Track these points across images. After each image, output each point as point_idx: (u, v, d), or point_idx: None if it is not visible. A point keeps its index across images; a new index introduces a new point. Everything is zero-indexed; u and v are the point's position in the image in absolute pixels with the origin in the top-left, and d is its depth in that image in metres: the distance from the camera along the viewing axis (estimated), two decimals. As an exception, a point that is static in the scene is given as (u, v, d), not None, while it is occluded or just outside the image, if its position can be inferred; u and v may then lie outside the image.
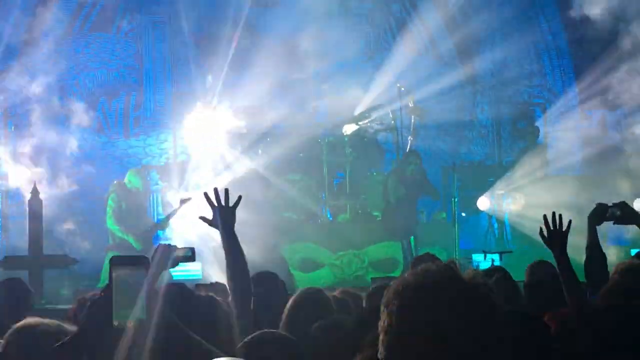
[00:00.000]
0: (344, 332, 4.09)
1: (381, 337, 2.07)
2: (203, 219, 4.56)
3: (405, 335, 2.03)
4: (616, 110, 16.54)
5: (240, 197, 4.51)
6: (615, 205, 5.60)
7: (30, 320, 3.47)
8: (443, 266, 2.10)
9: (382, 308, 2.08)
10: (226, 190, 4.49)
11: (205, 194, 4.44)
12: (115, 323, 2.99)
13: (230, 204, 4.48)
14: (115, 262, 3.05)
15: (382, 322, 2.07)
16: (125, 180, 12.53)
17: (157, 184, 14.53)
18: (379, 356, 2.07)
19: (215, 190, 4.47)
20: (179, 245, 4.18)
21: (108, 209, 12.17)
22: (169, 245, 4.19)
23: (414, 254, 12.41)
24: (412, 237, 13.09)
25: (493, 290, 2.12)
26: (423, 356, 2.02)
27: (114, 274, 3.01)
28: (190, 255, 4.30)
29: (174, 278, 5.54)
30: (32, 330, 3.27)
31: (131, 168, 13.21)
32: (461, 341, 2.02)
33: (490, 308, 2.08)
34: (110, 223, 12.13)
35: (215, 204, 4.47)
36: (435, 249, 12.08)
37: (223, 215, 4.46)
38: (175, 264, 4.15)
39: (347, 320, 4.42)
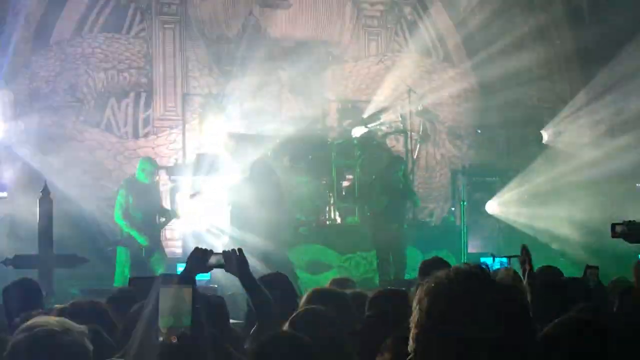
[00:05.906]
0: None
1: (412, 331, 2.14)
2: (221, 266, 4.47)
3: (435, 332, 2.10)
4: (623, 114, 16.55)
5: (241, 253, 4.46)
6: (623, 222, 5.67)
7: (37, 319, 3.45)
8: (474, 266, 2.16)
9: (414, 305, 2.15)
10: (240, 250, 4.42)
11: (225, 253, 4.33)
12: (160, 338, 3.02)
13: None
14: (163, 279, 3.08)
15: (414, 318, 2.14)
16: (136, 170, 12.38)
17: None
18: (409, 349, 2.14)
19: (225, 252, 4.39)
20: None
21: (116, 203, 12.19)
22: (205, 250, 4.14)
23: (395, 269, 12.29)
24: (405, 248, 12.74)
25: (522, 291, 2.20)
26: (451, 352, 2.08)
27: (160, 291, 3.04)
28: (223, 263, 4.21)
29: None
30: (39, 329, 3.25)
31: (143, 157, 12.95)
32: (489, 340, 2.07)
33: (519, 308, 2.14)
34: (117, 217, 12.15)
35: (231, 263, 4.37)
36: (442, 252, 12.08)
37: (238, 262, 4.38)
38: (208, 271, 4.05)
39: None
